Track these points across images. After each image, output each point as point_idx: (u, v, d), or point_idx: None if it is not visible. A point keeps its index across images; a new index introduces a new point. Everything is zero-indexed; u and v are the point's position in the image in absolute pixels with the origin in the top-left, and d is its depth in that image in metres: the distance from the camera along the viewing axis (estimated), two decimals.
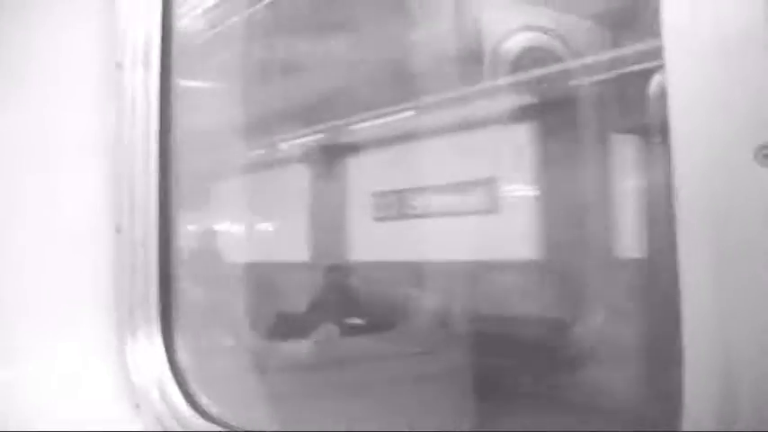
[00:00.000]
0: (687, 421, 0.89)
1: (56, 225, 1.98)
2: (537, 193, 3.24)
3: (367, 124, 4.28)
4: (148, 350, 1.88)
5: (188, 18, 2.33)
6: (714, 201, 0.87)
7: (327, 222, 4.72)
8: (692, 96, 0.90)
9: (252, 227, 4.50)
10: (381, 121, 4.07)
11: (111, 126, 1.94)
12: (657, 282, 2.29)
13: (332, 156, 4.71)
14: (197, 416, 1.76)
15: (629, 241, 2.73)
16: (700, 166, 0.89)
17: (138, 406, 1.85)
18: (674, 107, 0.91)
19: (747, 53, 0.85)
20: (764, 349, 0.83)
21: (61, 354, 1.92)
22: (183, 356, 1.88)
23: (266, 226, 4.88)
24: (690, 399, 0.88)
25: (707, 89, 0.88)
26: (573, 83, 2.79)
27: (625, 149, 2.80)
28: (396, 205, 4.22)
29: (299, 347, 3.47)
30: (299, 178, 4.82)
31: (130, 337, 1.89)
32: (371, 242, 4.51)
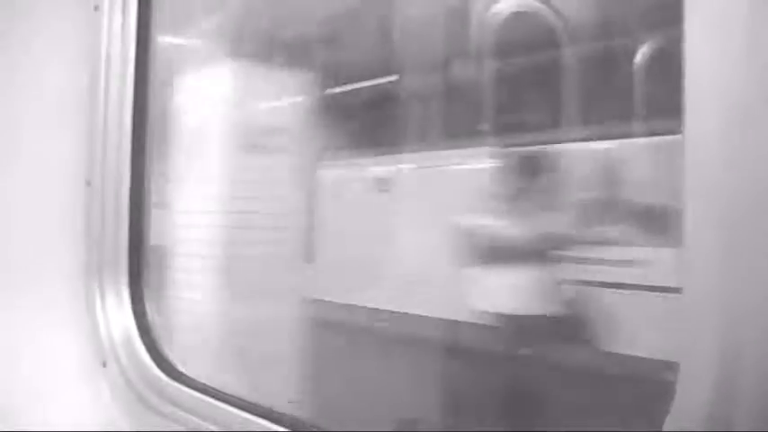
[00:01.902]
0: (672, 420, 0.85)
1: (25, 177, 1.90)
2: None
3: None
4: (116, 307, 1.83)
5: None
6: (729, 170, 0.80)
7: None
8: (709, 50, 0.83)
9: None
10: None
11: (86, 74, 1.86)
12: None
13: None
14: (164, 374, 1.72)
15: None
16: (714, 127, 0.82)
17: (104, 364, 1.81)
18: (689, 60, 0.84)
19: None
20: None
21: (27, 309, 1.85)
22: (151, 314, 1.83)
23: None
24: (681, 396, 0.84)
25: (726, 43, 0.81)
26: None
27: None
28: None
29: None
30: None
31: (99, 293, 1.84)
32: None
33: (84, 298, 1.83)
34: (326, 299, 4.06)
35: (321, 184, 4.37)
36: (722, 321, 0.80)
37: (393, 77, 4.05)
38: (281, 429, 1.44)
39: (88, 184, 1.83)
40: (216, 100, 3.57)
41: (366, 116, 4.40)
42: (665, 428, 0.85)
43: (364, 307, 4.10)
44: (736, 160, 0.80)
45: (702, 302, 0.82)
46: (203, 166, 3.56)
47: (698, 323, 0.83)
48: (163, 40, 2.00)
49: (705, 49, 0.84)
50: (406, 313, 3.76)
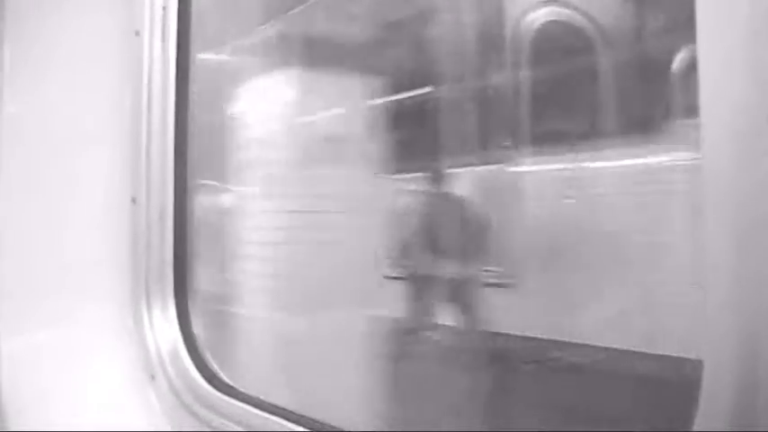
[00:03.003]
0: (701, 420, 0.85)
1: (74, 197, 1.97)
2: None
3: None
4: (163, 322, 1.87)
5: None
6: (741, 173, 0.82)
7: None
8: (723, 62, 0.85)
9: None
10: None
11: (129, 97, 1.92)
12: None
13: None
14: (211, 387, 1.75)
15: None
16: (728, 136, 0.84)
17: (153, 378, 1.84)
18: (703, 74, 0.86)
19: None
20: None
21: (77, 324, 1.91)
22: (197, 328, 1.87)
23: None
24: (706, 397, 0.84)
25: (737, 54, 0.83)
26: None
27: None
28: None
29: None
30: None
31: (146, 308, 1.88)
32: None
33: (132, 313, 1.88)
34: None
35: None
36: (744, 321, 0.80)
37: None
38: None
39: (134, 201, 1.89)
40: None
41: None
42: (694, 429, 0.85)
43: None
44: (750, 164, 0.82)
45: (724, 303, 0.83)
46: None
47: (720, 323, 0.83)
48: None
49: (718, 60, 0.86)
50: None
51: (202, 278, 2.06)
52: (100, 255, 1.91)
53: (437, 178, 3.56)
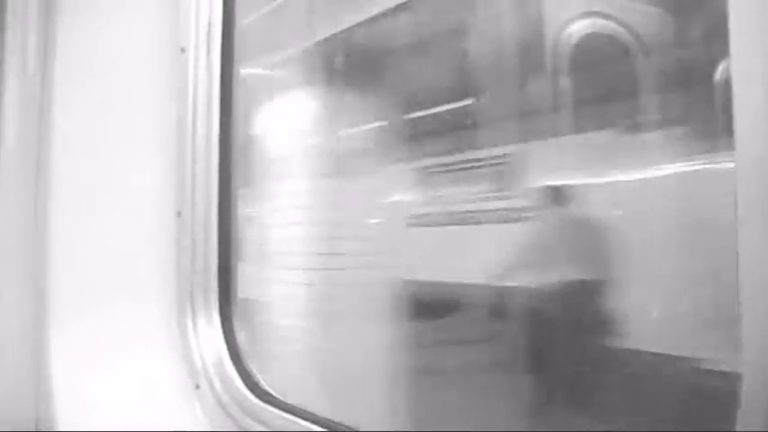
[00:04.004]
0: (742, 422, 0.85)
1: (120, 209, 2.02)
2: None
3: None
4: (208, 332, 1.90)
5: None
6: None
7: None
8: (756, 65, 0.85)
9: None
10: None
11: (174, 111, 1.97)
12: None
13: None
14: (255, 397, 1.77)
15: None
16: (762, 139, 0.83)
17: (197, 387, 1.87)
18: (736, 78, 0.86)
19: None
20: None
21: (124, 334, 1.95)
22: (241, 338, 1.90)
23: None
24: (746, 398, 0.84)
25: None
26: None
27: None
28: None
29: None
30: None
31: (191, 318, 1.92)
32: None
33: (178, 323, 1.91)
34: None
35: None
36: None
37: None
38: None
39: (179, 214, 1.93)
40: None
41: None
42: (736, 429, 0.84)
43: None
44: None
45: (759, 305, 0.82)
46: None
47: (757, 326, 0.82)
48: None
49: (751, 63, 0.85)
50: None
51: None
52: (146, 267, 1.96)
53: None
